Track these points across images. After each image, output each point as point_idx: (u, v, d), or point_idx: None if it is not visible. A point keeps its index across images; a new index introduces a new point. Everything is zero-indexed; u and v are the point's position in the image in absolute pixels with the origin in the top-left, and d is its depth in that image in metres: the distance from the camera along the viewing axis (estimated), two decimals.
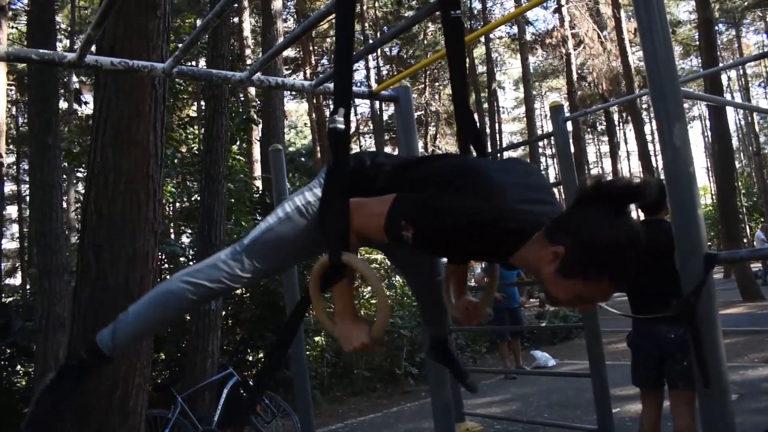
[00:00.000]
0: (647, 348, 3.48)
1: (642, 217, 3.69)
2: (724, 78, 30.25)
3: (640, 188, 1.39)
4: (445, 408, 3.53)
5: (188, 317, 7.70)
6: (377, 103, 27.91)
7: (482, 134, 2.16)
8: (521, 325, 8.77)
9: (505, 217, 1.42)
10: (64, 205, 19.45)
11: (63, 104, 17.82)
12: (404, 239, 1.47)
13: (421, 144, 11.86)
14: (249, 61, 13.64)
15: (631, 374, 3.65)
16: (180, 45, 2.49)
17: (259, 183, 11.15)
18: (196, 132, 10.33)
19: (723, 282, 18.32)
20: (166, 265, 9.18)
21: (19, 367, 7.55)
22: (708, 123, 28.18)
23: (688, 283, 2.15)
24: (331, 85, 2.82)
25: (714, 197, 31.67)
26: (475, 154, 1.97)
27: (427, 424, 5.59)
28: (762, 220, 34.66)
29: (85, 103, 17.45)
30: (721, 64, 15.58)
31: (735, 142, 34.11)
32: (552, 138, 4.74)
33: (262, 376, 1.78)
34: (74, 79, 17.66)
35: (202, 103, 11.32)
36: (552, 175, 40.87)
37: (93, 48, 2.21)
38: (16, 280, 25.62)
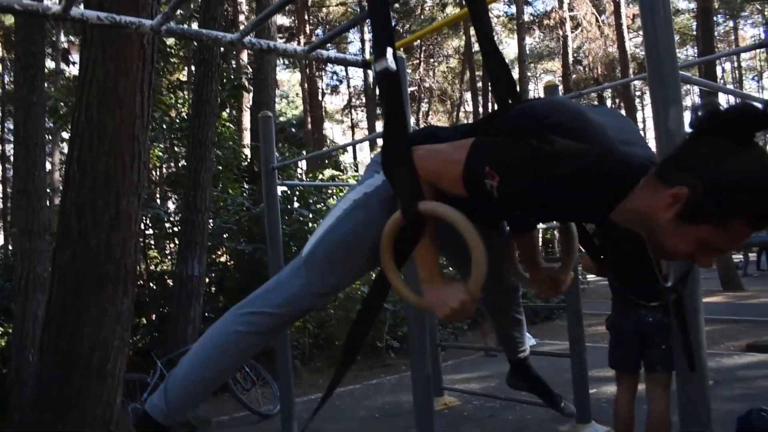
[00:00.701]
0: (626, 331, 3.50)
1: None
2: (718, 70, 30.30)
3: (765, 112, 1.10)
4: (425, 382, 3.53)
5: (170, 282, 7.67)
6: (371, 76, 27.69)
7: (516, 84, 1.76)
8: None
9: (611, 159, 1.18)
10: (49, 166, 19.26)
11: (50, 64, 17.54)
12: (487, 189, 1.23)
13: (413, 120, 11.76)
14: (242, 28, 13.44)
15: (608, 357, 3.67)
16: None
17: (248, 151, 11.05)
18: (186, 97, 10.19)
19: (704, 272, 18.40)
20: (150, 230, 9.12)
21: None
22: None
23: (676, 270, 2.14)
24: (325, 53, 2.77)
25: None
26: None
27: (406, 398, 5.63)
28: None
29: (73, 63, 17.19)
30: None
31: None
32: None
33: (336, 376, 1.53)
34: (62, 38, 17.36)
35: (193, 68, 11.16)
36: None
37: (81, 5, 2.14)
38: None
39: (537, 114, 1.26)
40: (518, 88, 1.73)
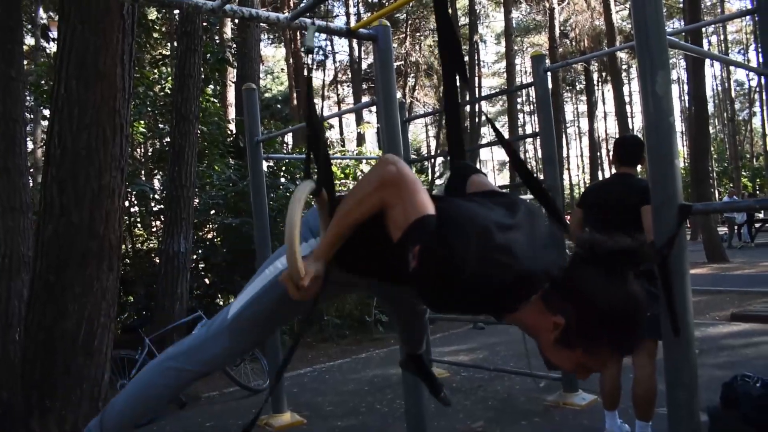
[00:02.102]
0: None
1: (614, 170, 3.69)
2: (705, 43, 30.27)
3: (637, 251, 1.25)
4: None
5: (157, 260, 7.62)
6: (356, 50, 27.46)
7: (464, 63, 1.93)
8: None
9: (509, 277, 1.24)
10: (31, 145, 18.99)
11: (30, 40, 17.21)
12: (408, 260, 1.25)
13: (399, 94, 11.69)
14: None
15: None
16: None
17: (232, 126, 10.94)
18: (170, 72, 10.05)
19: (690, 244, 18.52)
20: (136, 207, 9.04)
21: None
22: (686, 87, 28.33)
23: (662, 234, 2.14)
24: (308, 20, 2.71)
25: (686, 161, 32.06)
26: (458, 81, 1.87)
27: (394, 371, 5.66)
28: (731, 185, 35.32)
29: (53, 39, 16.85)
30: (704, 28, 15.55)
31: (711, 108, 34.41)
32: (532, 89, 4.68)
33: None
34: (42, 14, 17.03)
35: (176, 43, 11.00)
36: (528, 129, 40.92)
37: None
38: None
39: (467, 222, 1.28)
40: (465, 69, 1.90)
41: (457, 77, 1.84)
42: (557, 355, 1.30)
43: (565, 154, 39.34)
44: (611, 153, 3.78)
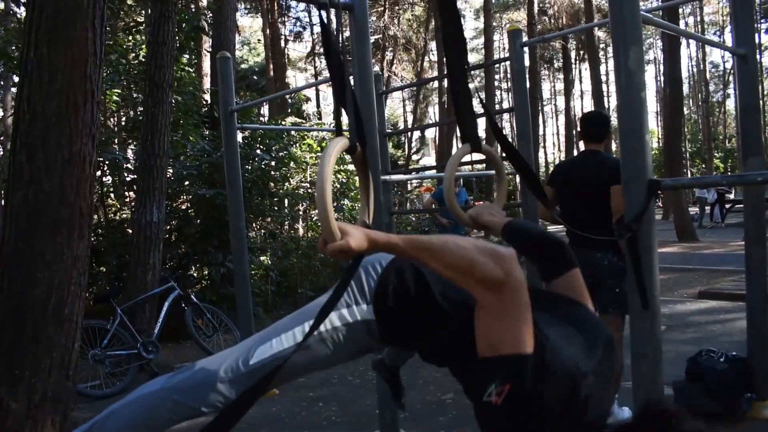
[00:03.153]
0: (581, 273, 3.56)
1: (583, 147, 3.72)
2: (681, 24, 30.46)
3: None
4: None
5: (130, 231, 7.55)
6: (333, 21, 27.07)
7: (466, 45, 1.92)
8: None
9: (576, 426, 1.21)
10: (0, 112, 18.53)
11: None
12: (482, 386, 1.17)
13: (376, 68, 11.61)
14: None
15: None
16: None
17: (208, 97, 10.80)
18: (144, 40, 9.85)
19: (661, 223, 18.97)
20: (108, 177, 8.91)
21: None
22: (662, 68, 28.50)
23: (631, 209, 2.18)
24: None
25: (660, 141, 32.37)
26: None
27: None
28: (703, 166, 35.84)
29: (23, 4, 16.39)
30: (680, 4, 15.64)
31: (686, 89, 34.73)
32: (508, 63, 4.67)
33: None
34: None
35: (150, 10, 10.76)
36: (506, 106, 40.87)
37: None
38: None
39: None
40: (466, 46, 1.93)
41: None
42: None
43: (541, 132, 39.53)
44: (579, 131, 3.81)
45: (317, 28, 29.60)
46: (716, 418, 3.49)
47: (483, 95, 29.46)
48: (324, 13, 1.72)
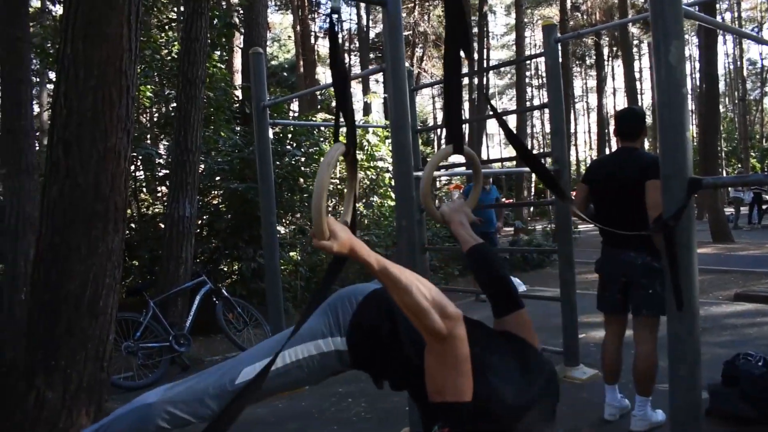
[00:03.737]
0: (614, 274, 3.50)
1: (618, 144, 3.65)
2: (718, 20, 29.79)
3: None
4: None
5: (162, 225, 7.64)
6: (364, 18, 27.16)
7: (469, 35, 2.00)
8: (495, 251, 8.84)
9: None
10: (37, 108, 18.90)
11: (36, 2, 17.08)
12: (430, 425, 1.36)
13: (407, 64, 11.51)
14: None
15: (597, 300, 3.69)
16: None
17: (239, 93, 10.88)
18: (176, 36, 9.96)
19: (695, 223, 18.56)
20: (141, 172, 9.04)
21: None
22: (697, 65, 27.95)
23: (670, 206, 2.12)
24: None
25: (695, 139, 31.80)
26: (462, 55, 1.89)
27: None
28: (739, 165, 35.08)
29: (59, 2, 16.69)
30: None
31: (722, 87, 34.03)
32: (541, 62, 4.62)
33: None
34: None
35: (182, 7, 10.87)
36: (537, 101, 40.50)
37: None
38: None
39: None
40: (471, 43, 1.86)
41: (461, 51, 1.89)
42: None
43: (572, 130, 39.10)
44: (613, 127, 3.74)
45: (347, 25, 29.66)
46: (751, 423, 3.41)
47: (514, 92, 29.21)
48: (336, 17, 1.78)
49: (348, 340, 1.74)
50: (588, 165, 4.03)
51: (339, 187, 9.60)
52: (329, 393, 4.65)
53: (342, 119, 1.62)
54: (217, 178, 8.48)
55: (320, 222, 1.38)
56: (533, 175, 28.80)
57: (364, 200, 10.15)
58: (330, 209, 9.75)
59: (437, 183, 16.06)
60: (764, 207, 18.88)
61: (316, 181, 1.43)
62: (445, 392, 1.34)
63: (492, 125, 46.42)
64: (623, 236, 3.36)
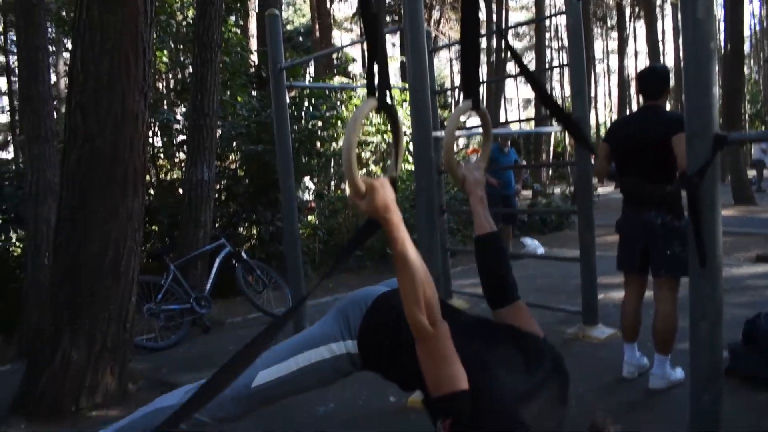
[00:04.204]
0: (634, 233, 3.47)
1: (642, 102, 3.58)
2: None
3: None
4: (435, 286, 3.57)
5: (180, 191, 7.69)
6: None
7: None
8: (514, 212, 8.78)
9: None
10: (54, 77, 18.92)
11: None
12: (434, 419, 1.38)
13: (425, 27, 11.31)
14: None
15: (617, 259, 3.67)
16: None
17: (255, 57, 10.81)
18: (191, 0, 9.89)
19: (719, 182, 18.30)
20: (159, 138, 9.07)
21: (12, 234, 7.58)
22: (722, 26, 27.27)
23: (695, 163, 2.08)
24: None
25: (718, 101, 31.10)
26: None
27: None
28: (763, 128, 34.36)
29: None
30: None
31: (746, 48, 33.16)
32: (561, 22, 4.52)
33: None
34: None
35: None
36: (556, 61, 39.81)
37: None
38: (9, 154, 25.36)
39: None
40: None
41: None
42: None
43: (593, 93, 38.48)
44: (636, 86, 3.66)
45: None
46: None
47: (533, 54, 28.77)
48: None
49: (359, 342, 1.78)
50: (610, 124, 3.96)
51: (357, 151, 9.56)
52: None
53: (375, 68, 1.51)
54: (235, 143, 8.48)
55: (351, 177, 1.33)
56: (552, 138, 28.45)
57: (381, 164, 10.12)
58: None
59: (454, 147, 15.95)
60: None
61: (345, 135, 1.38)
62: (441, 385, 1.35)
63: (510, 89, 45.83)
64: (644, 196, 3.32)
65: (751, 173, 18.89)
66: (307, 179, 9.33)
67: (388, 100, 1.46)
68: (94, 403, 3.83)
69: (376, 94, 1.44)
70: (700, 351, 2.24)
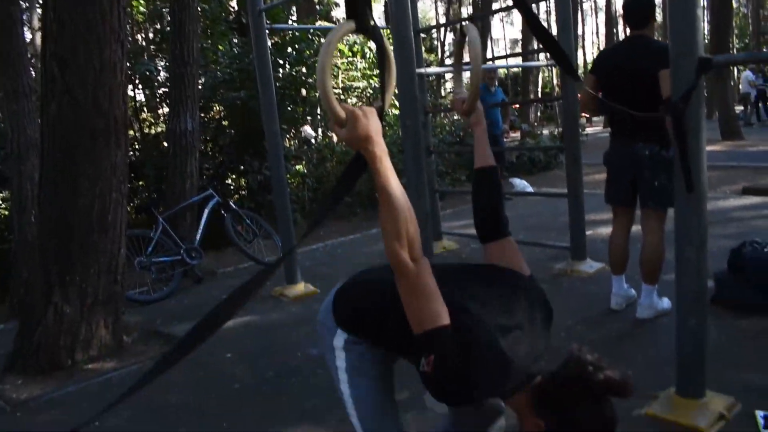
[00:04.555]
0: (622, 165, 3.47)
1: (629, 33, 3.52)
2: None
3: (625, 386, 1.31)
4: (423, 226, 3.58)
5: (165, 144, 7.60)
6: None
7: None
8: (502, 150, 8.74)
9: (509, 377, 1.39)
10: (29, 35, 18.43)
11: None
12: (419, 362, 1.34)
13: None
14: None
15: (604, 193, 3.68)
16: None
17: (234, 3, 10.56)
18: None
19: (704, 108, 18.27)
20: (141, 91, 8.92)
21: None
22: None
23: (679, 87, 2.07)
24: None
25: (706, 37, 30.82)
26: None
27: None
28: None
29: None
30: None
31: None
32: None
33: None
34: None
35: None
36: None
37: None
38: None
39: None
40: None
41: None
42: None
43: (580, 32, 37.95)
44: (623, 17, 3.58)
45: None
46: (756, 310, 3.45)
47: None
48: None
49: (341, 328, 1.69)
50: (596, 55, 3.91)
51: (342, 97, 9.47)
52: None
53: None
54: (218, 93, 8.35)
55: (328, 102, 1.26)
56: (539, 79, 28.14)
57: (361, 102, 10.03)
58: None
59: (442, 90, 15.79)
60: None
61: (319, 59, 1.29)
62: (423, 322, 1.33)
63: (497, 29, 45.08)
64: (632, 128, 3.30)
65: (739, 108, 18.86)
66: (307, 127, 9.25)
67: (371, 22, 1.36)
68: (89, 356, 3.86)
69: (356, 16, 1.34)
70: (686, 276, 2.27)
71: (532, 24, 1.91)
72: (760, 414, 2.40)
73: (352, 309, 1.68)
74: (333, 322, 1.69)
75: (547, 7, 36.75)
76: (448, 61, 28.30)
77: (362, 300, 1.68)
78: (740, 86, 19.70)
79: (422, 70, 3.59)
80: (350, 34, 1.41)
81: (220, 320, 1.32)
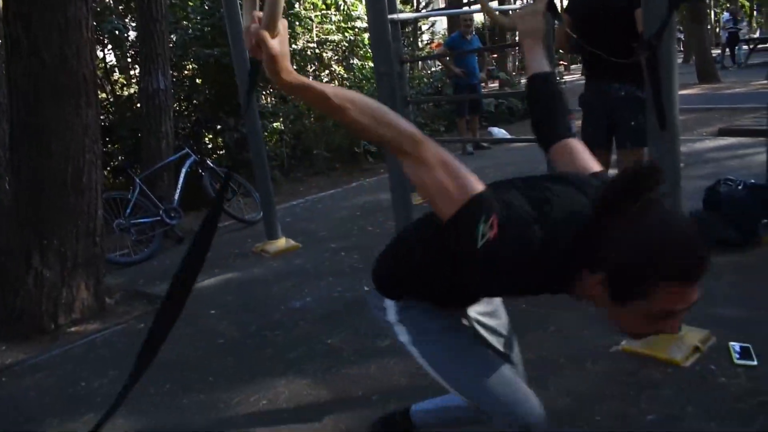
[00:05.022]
0: (597, 106, 3.45)
1: None
2: None
3: (652, 174, 1.03)
4: (402, 181, 3.58)
5: (138, 105, 7.47)
6: None
7: None
8: (480, 101, 8.72)
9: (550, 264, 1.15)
10: None
11: None
12: (472, 237, 1.10)
13: None
14: None
15: (581, 136, 3.67)
16: None
17: None
18: None
19: (682, 66, 18.30)
20: (110, 51, 8.71)
21: None
22: None
23: (652, 25, 2.06)
24: None
25: None
26: None
27: (385, 196, 5.73)
28: (728, 4, 33.99)
29: None
30: None
31: None
32: None
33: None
34: None
35: None
36: None
37: None
38: None
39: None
40: None
41: None
42: (623, 319, 1.17)
43: None
44: None
45: None
46: (732, 246, 3.52)
47: None
48: None
49: (384, 294, 1.62)
50: None
51: (317, 51, 9.34)
52: (323, 249, 4.76)
53: None
54: (190, 50, 8.17)
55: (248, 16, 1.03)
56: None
57: (344, 63, 9.89)
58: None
59: (419, 42, 15.60)
60: (750, 46, 18.45)
61: None
62: (455, 195, 1.12)
63: None
64: (607, 68, 3.27)
65: (717, 52, 18.86)
66: None
67: None
68: (72, 319, 3.86)
69: None
70: None
71: None
72: (734, 346, 2.47)
73: (387, 272, 1.63)
74: (379, 298, 1.64)
75: None
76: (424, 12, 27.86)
77: (391, 259, 1.63)
78: (718, 29, 19.68)
79: (395, 16, 3.52)
80: None
81: (193, 269, 1.09)
